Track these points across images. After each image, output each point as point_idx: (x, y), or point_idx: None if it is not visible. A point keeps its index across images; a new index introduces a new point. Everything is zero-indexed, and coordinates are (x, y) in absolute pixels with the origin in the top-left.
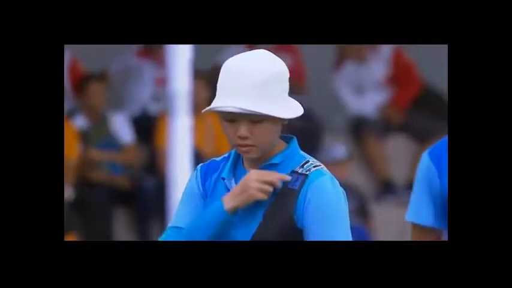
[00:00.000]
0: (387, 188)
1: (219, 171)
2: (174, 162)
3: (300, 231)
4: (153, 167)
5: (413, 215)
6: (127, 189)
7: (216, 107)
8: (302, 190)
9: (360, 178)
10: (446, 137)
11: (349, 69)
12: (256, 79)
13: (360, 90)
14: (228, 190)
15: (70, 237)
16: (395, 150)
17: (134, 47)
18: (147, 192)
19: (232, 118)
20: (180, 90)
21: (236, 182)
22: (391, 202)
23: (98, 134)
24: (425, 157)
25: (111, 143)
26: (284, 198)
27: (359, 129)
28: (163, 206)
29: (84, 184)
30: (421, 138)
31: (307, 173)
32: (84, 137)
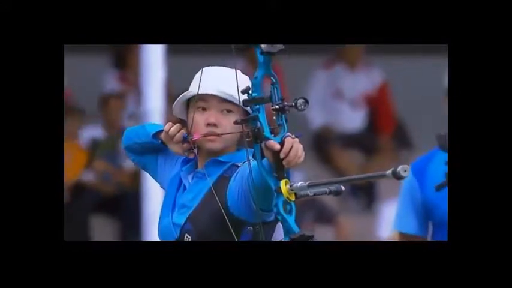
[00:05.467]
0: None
1: (185, 164)
2: (146, 177)
3: (234, 218)
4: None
5: (399, 225)
6: (110, 196)
7: (200, 92)
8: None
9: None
10: (428, 152)
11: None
12: (233, 76)
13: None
14: (181, 181)
15: None
16: (349, 161)
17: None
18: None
19: (204, 107)
20: (154, 109)
21: (191, 180)
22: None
23: (105, 145)
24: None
25: (113, 157)
26: (220, 184)
27: (322, 142)
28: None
29: (74, 187)
30: (369, 152)
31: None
32: (94, 144)
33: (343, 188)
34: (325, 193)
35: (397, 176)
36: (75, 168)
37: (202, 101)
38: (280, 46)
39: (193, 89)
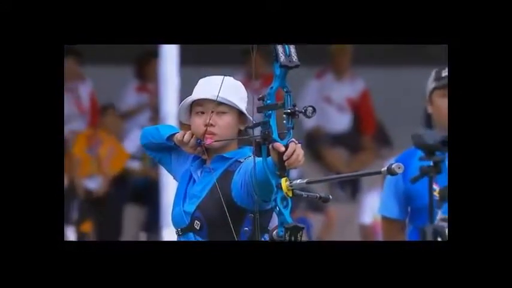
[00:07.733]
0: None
1: (195, 161)
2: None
3: (238, 206)
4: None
5: (383, 209)
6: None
7: (196, 98)
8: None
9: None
10: (411, 148)
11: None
12: (226, 82)
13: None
14: (191, 175)
15: (85, 226)
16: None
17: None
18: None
19: (202, 110)
20: (170, 113)
21: (200, 174)
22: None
23: None
24: None
25: None
26: (225, 177)
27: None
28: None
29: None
30: (354, 150)
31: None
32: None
33: (330, 197)
34: (316, 198)
35: (391, 173)
36: (118, 162)
37: (200, 106)
38: (296, 62)
39: (191, 97)
